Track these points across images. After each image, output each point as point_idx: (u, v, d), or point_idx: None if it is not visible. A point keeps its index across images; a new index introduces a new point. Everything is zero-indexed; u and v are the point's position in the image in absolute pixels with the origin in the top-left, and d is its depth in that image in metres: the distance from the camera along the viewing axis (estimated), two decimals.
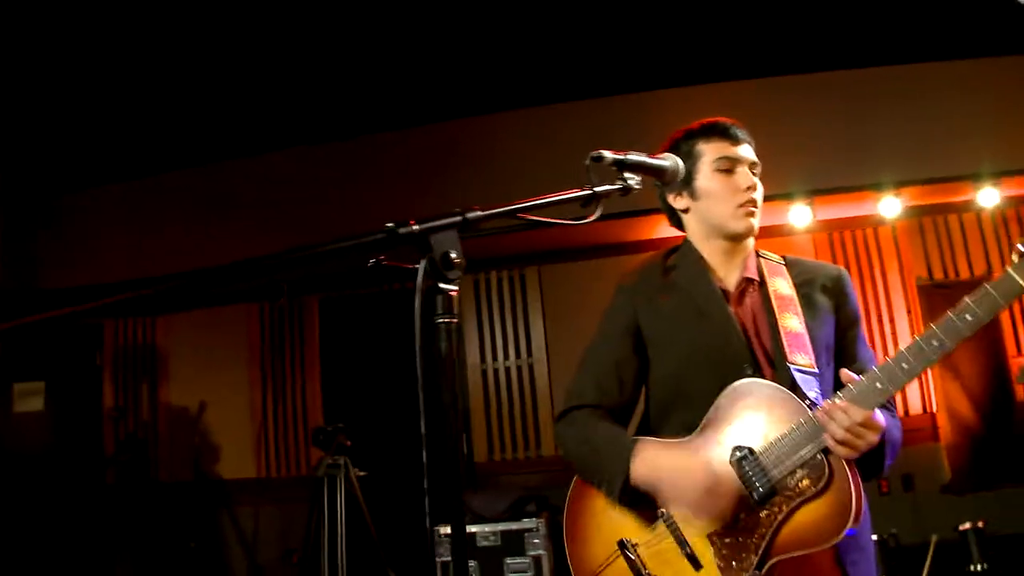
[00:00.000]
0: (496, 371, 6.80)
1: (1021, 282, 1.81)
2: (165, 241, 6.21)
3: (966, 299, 1.85)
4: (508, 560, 5.15)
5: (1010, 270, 1.83)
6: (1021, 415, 6.43)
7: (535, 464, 6.51)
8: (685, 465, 1.99)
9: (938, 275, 6.65)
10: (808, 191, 5.85)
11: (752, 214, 2.20)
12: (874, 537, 5.15)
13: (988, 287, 1.83)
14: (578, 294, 6.37)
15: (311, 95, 5.88)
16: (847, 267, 6.66)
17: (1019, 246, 1.83)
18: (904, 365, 1.88)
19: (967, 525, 5.27)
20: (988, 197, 5.94)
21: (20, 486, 6.19)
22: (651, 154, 1.80)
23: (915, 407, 6.51)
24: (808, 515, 1.88)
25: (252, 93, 5.76)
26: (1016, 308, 6.58)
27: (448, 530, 4.53)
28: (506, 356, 6.81)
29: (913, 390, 6.50)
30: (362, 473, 5.55)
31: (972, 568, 5.36)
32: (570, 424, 2.22)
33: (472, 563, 5.17)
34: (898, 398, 2.30)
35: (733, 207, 2.19)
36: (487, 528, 5.23)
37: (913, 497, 6.31)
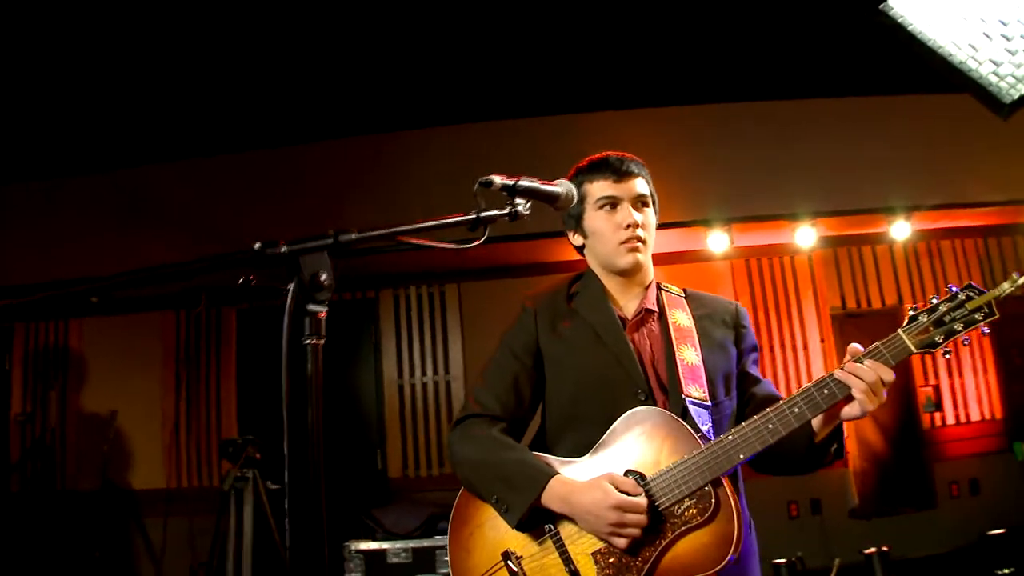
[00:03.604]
0: (413, 386, 6.75)
1: (910, 346, 1.90)
2: (75, 245, 6.05)
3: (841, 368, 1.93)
4: None
5: (900, 331, 1.92)
6: (926, 443, 6.60)
7: (449, 481, 6.39)
8: (584, 486, 2.01)
9: (851, 304, 6.79)
10: (726, 218, 5.93)
11: (637, 249, 2.22)
12: (781, 560, 5.28)
13: (880, 344, 1.91)
14: (497, 313, 6.28)
15: (230, 103, 5.80)
16: (763, 295, 6.79)
17: (910, 310, 1.93)
18: (796, 409, 1.94)
19: (872, 549, 5.38)
20: (900, 230, 6.11)
21: None
22: (546, 180, 1.81)
23: None
24: (692, 543, 1.93)
25: (171, 99, 5.66)
26: None
27: (359, 546, 4.45)
28: (424, 372, 6.76)
29: None
30: (274, 486, 5.47)
31: None
32: (469, 433, 2.21)
33: None
34: None
35: (615, 244, 2.23)
36: (398, 545, 5.19)
37: (821, 521, 6.43)
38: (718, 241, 6.03)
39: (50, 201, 6.19)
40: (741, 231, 6.12)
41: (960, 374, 6.76)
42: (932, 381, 6.71)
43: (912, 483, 6.52)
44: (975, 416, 6.72)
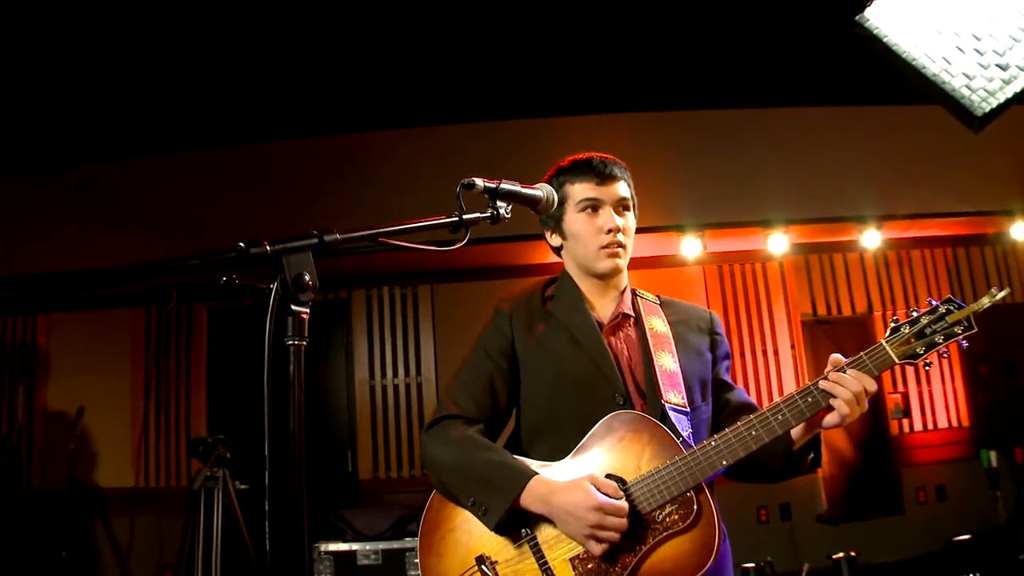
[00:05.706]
0: (384, 388, 6.71)
1: (893, 357, 1.94)
2: (38, 241, 5.95)
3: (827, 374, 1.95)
4: None
5: (883, 342, 1.95)
6: (894, 449, 6.66)
7: (420, 483, 6.45)
8: (565, 486, 1.98)
9: (821, 311, 6.85)
10: (699, 224, 5.95)
11: (616, 255, 2.20)
12: (751, 564, 5.32)
13: (863, 355, 1.94)
14: (470, 314, 6.31)
15: (201, 101, 5.74)
16: (735, 300, 6.82)
17: (892, 321, 1.96)
18: (780, 416, 1.96)
19: (840, 554, 5.43)
20: (871, 239, 6.18)
21: None
22: (527, 184, 1.80)
23: None
24: (672, 549, 1.91)
25: (142, 94, 5.59)
26: None
27: (328, 548, 4.40)
28: (395, 373, 6.72)
29: None
30: (243, 486, 5.43)
31: None
32: (444, 434, 2.15)
33: None
34: None
35: (596, 248, 2.20)
36: (368, 546, 5.17)
37: (790, 526, 6.47)
38: (691, 247, 6.06)
39: (13, 196, 6.10)
40: (714, 237, 6.16)
41: (928, 382, 6.82)
42: (900, 388, 6.77)
43: (880, 489, 6.58)
44: (942, 423, 6.79)
